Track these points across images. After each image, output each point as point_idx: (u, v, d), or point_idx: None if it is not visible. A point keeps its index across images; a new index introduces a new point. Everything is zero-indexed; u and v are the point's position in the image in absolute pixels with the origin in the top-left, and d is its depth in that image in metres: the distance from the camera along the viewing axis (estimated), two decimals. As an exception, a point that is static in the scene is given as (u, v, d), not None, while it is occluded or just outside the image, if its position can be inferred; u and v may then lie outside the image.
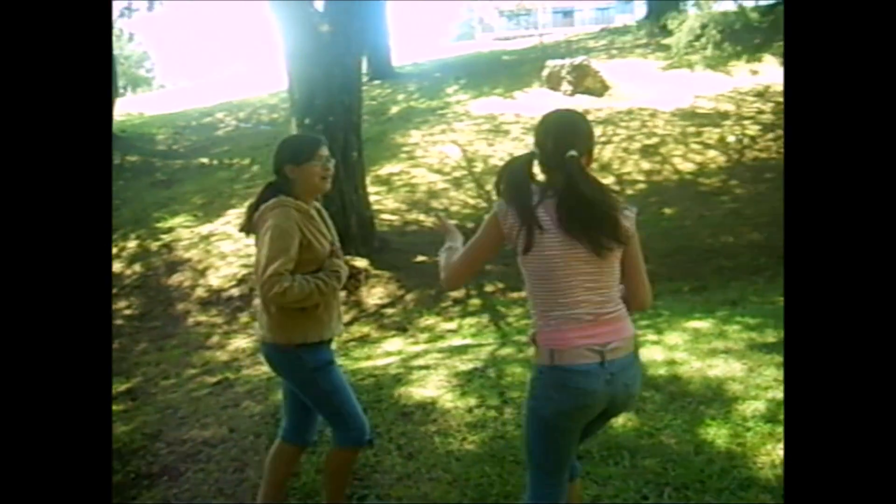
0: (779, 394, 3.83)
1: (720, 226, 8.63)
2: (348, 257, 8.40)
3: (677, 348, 4.72)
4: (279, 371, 2.93)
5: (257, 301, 3.06)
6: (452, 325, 6.83)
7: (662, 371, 4.34)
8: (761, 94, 13.79)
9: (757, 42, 16.21)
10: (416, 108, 16.05)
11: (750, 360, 4.35)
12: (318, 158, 2.79)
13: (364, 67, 19.48)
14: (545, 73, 15.73)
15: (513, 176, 2.22)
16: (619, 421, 3.72)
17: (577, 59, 15.39)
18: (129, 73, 49.03)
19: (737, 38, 15.75)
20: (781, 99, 13.42)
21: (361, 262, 8.28)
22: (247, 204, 2.96)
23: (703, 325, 5.22)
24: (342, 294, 2.97)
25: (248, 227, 2.82)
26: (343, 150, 8.49)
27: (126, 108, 20.42)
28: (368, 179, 11.42)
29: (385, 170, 11.88)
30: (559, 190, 2.14)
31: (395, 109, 16.25)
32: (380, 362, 5.51)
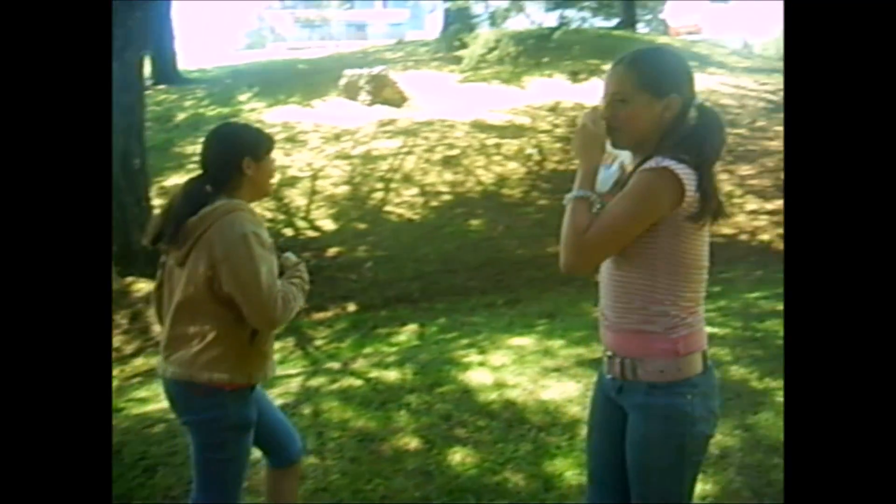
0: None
1: (527, 237, 8.59)
2: (130, 279, 7.46)
3: (505, 369, 4.42)
4: (185, 418, 2.30)
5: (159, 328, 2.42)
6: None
7: (494, 396, 4.00)
8: (553, 109, 14.20)
9: (546, 60, 16.91)
10: (205, 116, 14.94)
11: (583, 378, 4.12)
12: (268, 159, 2.32)
13: (147, 71, 18.18)
14: (343, 82, 15.26)
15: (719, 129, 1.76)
16: (457, 458, 3.32)
17: (376, 69, 15.06)
18: None
19: (530, 55, 16.27)
20: (573, 114, 13.91)
21: (146, 284, 7.35)
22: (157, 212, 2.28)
23: (527, 341, 4.98)
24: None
25: (174, 238, 2.19)
26: (123, 157, 7.53)
27: None
28: (153, 191, 10.40)
29: (171, 181, 10.82)
30: None
31: (181, 116, 15.04)
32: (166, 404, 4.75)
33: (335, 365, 5.10)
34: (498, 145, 11.96)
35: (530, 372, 4.32)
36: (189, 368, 2.19)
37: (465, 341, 5.29)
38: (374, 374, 4.64)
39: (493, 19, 13.86)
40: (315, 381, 4.65)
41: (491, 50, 13.68)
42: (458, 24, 16.76)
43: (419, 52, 19.17)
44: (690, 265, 1.71)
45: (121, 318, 6.90)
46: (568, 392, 3.96)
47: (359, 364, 5.01)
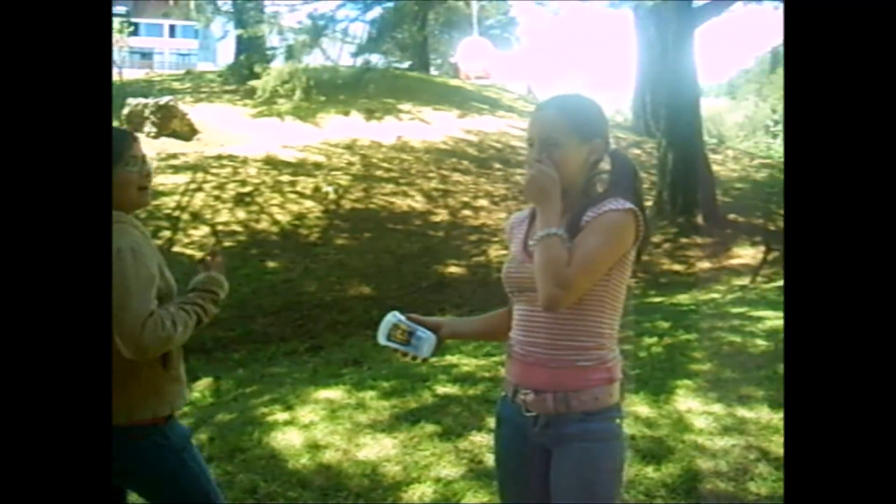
0: (444, 472, 3.41)
1: (327, 278, 8.29)
2: None
3: (314, 427, 4.07)
4: (132, 465, 1.99)
5: None
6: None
7: (306, 461, 3.64)
8: (350, 147, 14.07)
9: (343, 98, 16.81)
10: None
11: (399, 432, 3.88)
12: (133, 161, 2.00)
13: None
14: (125, 111, 14.18)
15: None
16: (268, 539, 2.94)
17: (164, 99, 14.16)
18: None
19: (326, 91, 16.08)
20: (369, 151, 13.86)
21: None
22: None
23: (336, 394, 4.65)
24: None
25: None
26: None
27: None
28: None
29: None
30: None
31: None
32: None
33: (117, 431, 4.48)
34: (293, 182, 11.60)
35: (342, 429, 4.01)
36: (123, 409, 1.89)
37: (267, 396, 4.87)
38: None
39: (290, 52, 13.49)
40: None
41: (284, 83, 13.29)
42: (251, 53, 16.21)
43: (210, 84, 18.37)
44: (622, 300, 1.81)
45: None
46: (386, 450, 3.70)
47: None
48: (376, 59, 17.00)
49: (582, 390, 1.75)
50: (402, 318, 1.96)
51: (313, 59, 15.49)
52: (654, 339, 5.50)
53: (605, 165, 1.88)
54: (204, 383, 5.69)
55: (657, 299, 7.58)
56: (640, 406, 4.04)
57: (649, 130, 16.38)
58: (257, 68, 13.95)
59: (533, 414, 1.79)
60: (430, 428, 3.91)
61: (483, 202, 11.58)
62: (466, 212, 11.15)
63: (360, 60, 16.46)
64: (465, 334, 2.41)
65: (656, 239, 9.90)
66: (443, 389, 4.54)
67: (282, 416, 4.32)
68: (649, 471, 3.30)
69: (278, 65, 14.73)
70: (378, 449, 3.72)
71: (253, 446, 3.87)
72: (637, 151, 14.99)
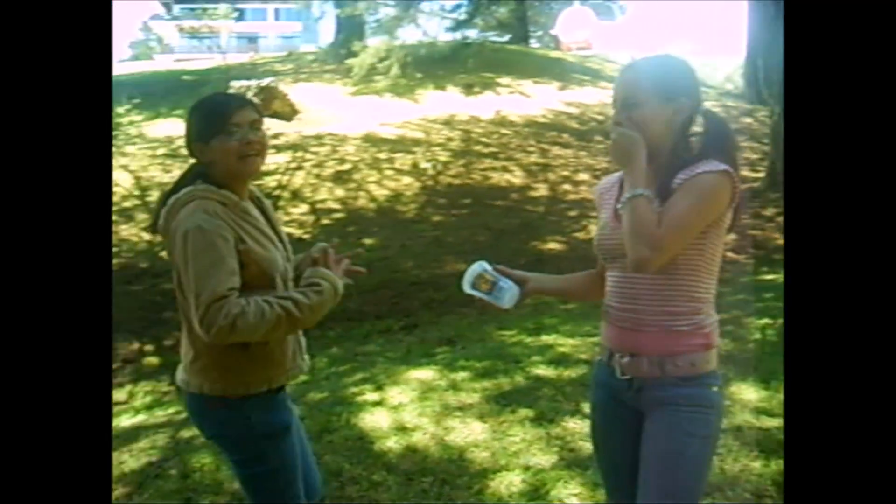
0: (535, 460, 3.24)
1: (423, 255, 8.21)
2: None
3: (404, 409, 3.98)
4: (208, 433, 2.11)
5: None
6: (122, 393, 5.47)
7: (392, 444, 3.55)
8: (448, 122, 13.94)
9: (441, 73, 16.68)
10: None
11: (490, 417, 3.73)
12: (234, 129, 1.91)
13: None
14: (229, 94, 14.55)
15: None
16: (349, 525, 2.86)
17: (265, 81, 14.43)
18: None
19: (424, 67, 16.00)
20: (467, 127, 13.69)
21: None
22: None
23: (427, 374, 4.55)
24: None
25: (156, 227, 1.98)
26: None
27: None
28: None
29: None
30: None
31: (50, 130, 13.94)
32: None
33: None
34: (391, 160, 11.56)
35: (431, 411, 3.89)
36: (192, 377, 1.99)
37: (359, 375, 4.82)
38: (256, 418, 4.10)
39: (385, 29, 13.45)
40: (187, 432, 4.07)
41: (381, 60, 13.25)
42: (349, 32, 16.29)
43: (311, 64, 18.60)
44: (718, 264, 1.77)
45: None
46: (475, 434, 3.56)
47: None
48: (474, 34, 16.83)
49: (678, 355, 1.73)
50: (489, 267, 1.97)
51: (410, 35, 15.41)
52: (767, 321, 5.12)
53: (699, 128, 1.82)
54: (299, 361, 5.70)
55: (770, 276, 7.10)
56: (748, 393, 3.73)
57: (762, 98, 15.44)
58: (354, 47, 13.96)
59: (627, 377, 1.78)
60: (522, 412, 3.74)
61: (584, 176, 11.23)
62: (566, 186, 10.84)
63: (457, 35, 16.34)
64: (550, 291, 2.31)
65: (768, 212, 9.33)
66: (536, 371, 4.35)
67: (372, 396, 4.25)
68: (757, 466, 3.02)
69: (375, 42, 14.72)
70: (467, 433, 3.59)
71: (341, 427, 3.81)
72: (749, 120, 14.22)
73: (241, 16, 42.54)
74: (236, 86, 14.23)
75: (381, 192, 10.44)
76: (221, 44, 37.61)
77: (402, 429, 3.72)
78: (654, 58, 1.83)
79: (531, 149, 12.49)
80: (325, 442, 3.65)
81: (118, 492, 3.31)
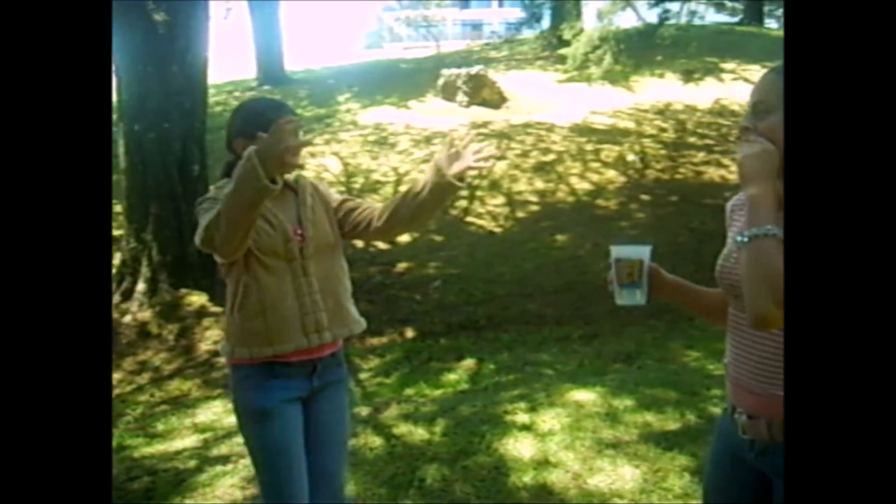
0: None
1: (618, 257, 7.65)
2: (184, 290, 7.06)
3: (552, 438, 3.59)
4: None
5: None
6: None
7: (528, 479, 3.19)
8: (662, 112, 13.05)
9: (659, 59, 15.71)
10: (301, 116, 14.64)
11: (646, 460, 3.26)
12: (277, 129, 2.02)
13: (254, 72, 18.24)
14: (440, 82, 14.65)
15: None
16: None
17: (474, 69, 14.35)
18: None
19: (637, 53, 15.15)
20: (683, 116, 12.75)
21: (199, 297, 6.94)
22: None
23: (589, 397, 4.11)
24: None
25: None
26: (181, 162, 7.15)
27: None
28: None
29: (254, 184, 10.46)
30: None
31: (278, 117, 14.81)
32: (177, 444, 4.20)
33: (364, 411, 4.40)
34: (596, 151, 10.98)
35: (581, 445, 3.48)
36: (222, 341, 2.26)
37: (518, 390, 4.48)
38: (400, 429, 3.92)
39: (600, 14, 12.83)
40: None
41: (595, 48, 12.65)
42: (563, 19, 15.80)
43: (525, 52, 18.33)
44: None
45: (167, 334, 6.47)
46: (621, 480, 3.11)
47: (390, 412, 4.29)
48: (699, 15, 15.70)
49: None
50: (647, 260, 1.78)
51: (628, 21, 14.65)
52: None
53: None
54: (466, 365, 5.47)
55: None
56: None
57: None
58: (567, 34, 13.46)
59: (749, 437, 1.57)
60: (683, 460, 3.22)
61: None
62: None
63: (681, 18, 15.31)
64: (683, 299, 1.90)
65: None
66: (712, 409, 3.76)
67: (522, 417, 3.90)
68: None
69: (590, 28, 14.13)
70: (614, 478, 3.14)
71: (480, 451, 3.51)
72: None
73: (466, 4, 43.31)
74: (446, 74, 14.31)
75: (582, 186, 9.93)
76: (446, 32, 38.51)
77: (543, 462, 3.34)
78: None
79: (754, 141, 11.34)
80: (458, 467, 3.37)
81: (247, 492, 3.25)
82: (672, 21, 14.52)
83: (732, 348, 1.62)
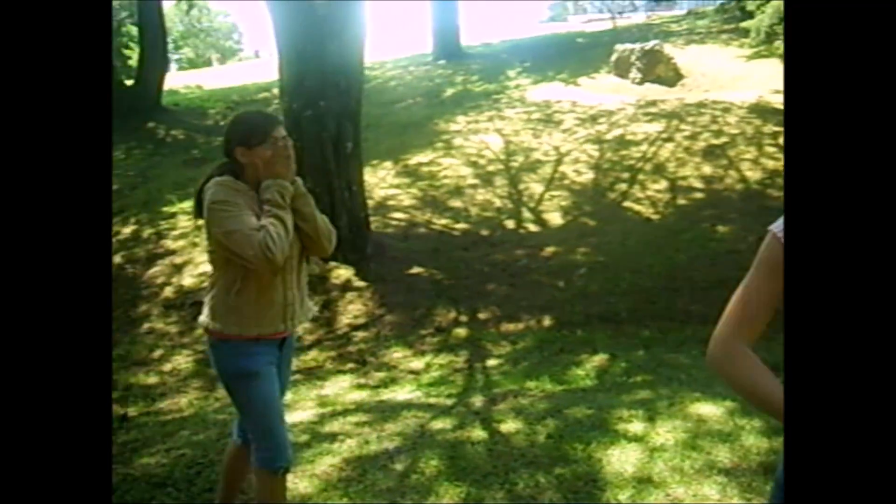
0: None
1: (783, 252, 7.02)
2: (333, 264, 7.28)
3: (661, 454, 3.34)
4: (212, 361, 2.71)
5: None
6: (420, 362, 5.56)
7: (624, 497, 2.98)
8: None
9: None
10: (470, 92, 14.71)
11: (760, 494, 2.94)
12: (273, 141, 2.51)
13: (430, 47, 18.49)
14: (614, 57, 14.14)
15: None
16: None
17: (649, 44, 13.69)
18: (217, 44, 49.66)
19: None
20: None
21: (346, 271, 7.13)
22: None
23: (716, 411, 3.79)
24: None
25: (198, 212, 2.56)
26: (335, 139, 7.32)
27: (184, 81, 19.91)
28: (395, 170, 10.28)
29: (415, 159, 10.62)
30: None
31: (449, 92, 14.94)
32: (297, 416, 4.33)
33: (478, 402, 4.32)
34: (774, 135, 10.13)
35: (691, 466, 3.20)
36: (204, 317, 2.58)
37: (641, 394, 4.22)
38: (507, 425, 3.81)
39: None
40: (438, 424, 3.93)
41: (782, 20, 11.62)
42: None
43: (709, 25, 17.26)
44: None
45: (313, 305, 6.70)
46: (726, 512, 2.82)
47: (503, 406, 4.18)
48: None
49: None
50: None
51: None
52: None
53: None
54: (597, 360, 5.23)
55: None
56: None
57: None
58: (750, 6, 12.47)
59: None
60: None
61: None
62: None
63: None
64: None
65: None
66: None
67: (636, 427, 3.66)
68: None
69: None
70: (717, 509, 2.86)
71: (580, 460, 3.33)
72: None
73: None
74: (619, 49, 13.77)
75: (753, 173, 9.21)
76: (634, 4, 37.06)
77: (645, 481, 3.11)
78: None
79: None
80: (554, 474, 3.22)
81: (344, 474, 3.28)
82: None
83: None
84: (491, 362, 5.43)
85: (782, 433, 3.30)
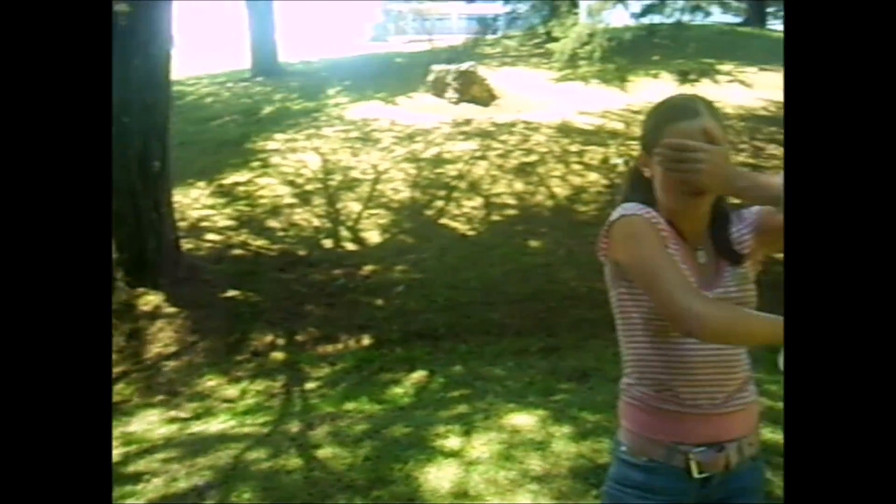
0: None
1: (590, 265, 7.36)
2: (141, 290, 6.85)
3: (476, 468, 3.38)
4: None
5: None
6: (236, 389, 5.34)
7: (440, 515, 2.99)
8: (654, 113, 12.78)
9: (656, 58, 15.44)
10: (289, 110, 14.45)
11: (569, 498, 3.04)
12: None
13: (248, 63, 17.99)
14: (431, 78, 14.41)
15: None
16: None
17: (465, 65, 14.10)
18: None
19: (633, 52, 14.88)
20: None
21: (156, 297, 6.73)
22: None
23: (529, 421, 3.90)
24: None
25: None
26: (141, 158, 6.92)
27: None
28: (209, 190, 9.88)
29: (231, 178, 10.26)
30: None
31: (267, 110, 14.59)
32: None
33: (295, 427, 4.20)
34: (581, 153, 10.74)
35: (505, 478, 3.26)
36: None
37: (458, 409, 4.27)
38: (324, 450, 3.72)
39: (589, 12, 12.56)
40: (252, 454, 3.77)
41: (584, 45, 12.38)
42: (552, 16, 15.55)
43: (519, 48, 18.05)
44: None
45: (119, 334, 6.26)
46: (539, 521, 2.90)
47: (322, 429, 4.08)
48: (700, 15, 15.47)
49: (754, 432, 1.60)
50: None
51: (621, 19, 14.38)
52: None
53: None
54: (415, 377, 5.25)
55: None
56: None
57: None
58: (556, 31, 13.18)
59: (705, 475, 1.53)
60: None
61: (800, 181, 9.73)
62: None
63: (682, 16, 15.04)
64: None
65: None
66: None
67: (453, 442, 3.70)
68: None
69: (580, 25, 13.86)
70: (529, 518, 2.93)
71: (398, 480, 3.31)
72: None
73: (471, -2, 42.93)
74: (436, 69, 14.07)
75: (562, 189, 9.69)
76: (451, 26, 38.15)
77: (461, 495, 3.14)
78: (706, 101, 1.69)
79: (742, 146, 11.06)
80: (372, 497, 3.17)
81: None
82: (664, 20, 14.25)
83: (704, 377, 1.54)
84: (309, 385, 5.31)
85: (590, 438, 3.43)
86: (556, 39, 14.00)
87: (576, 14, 14.96)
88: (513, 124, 12.34)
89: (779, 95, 13.51)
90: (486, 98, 13.93)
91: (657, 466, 1.55)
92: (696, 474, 1.53)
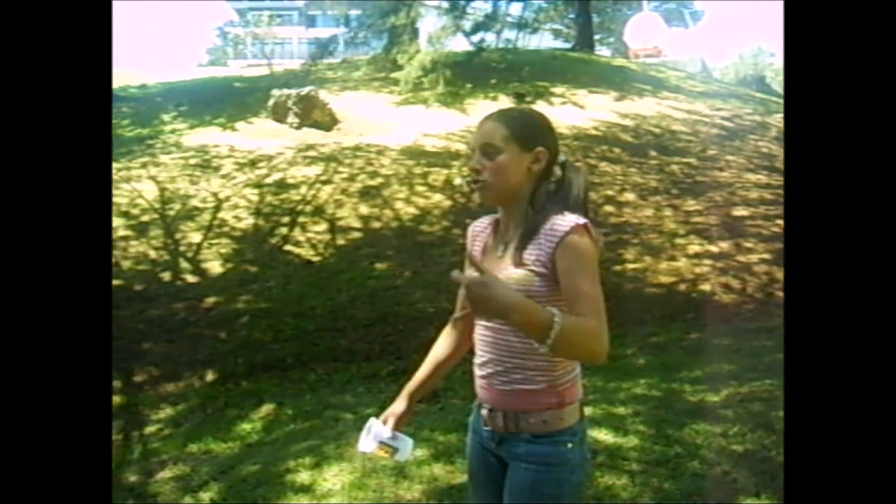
0: None
1: (437, 285, 7.45)
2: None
3: (329, 499, 3.30)
4: None
5: None
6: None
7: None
8: (494, 135, 13.18)
9: (493, 82, 15.97)
10: (122, 137, 13.72)
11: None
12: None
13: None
14: (271, 102, 14.16)
15: None
16: None
17: (305, 90, 13.96)
18: None
19: (472, 76, 15.31)
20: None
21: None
22: None
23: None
24: None
25: None
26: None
27: None
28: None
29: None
30: None
31: (95, 137, 13.77)
32: None
33: (134, 477, 3.94)
34: (425, 175, 10.88)
35: (357, 508, 3.20)
36: None
37: (307, 442, 4.16)
38: (166, 498, 3.50)
39: (431, 38, 12.82)
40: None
41: (427, 72, 12.60)
42: (393, 43, 15.76)
43: (361, 73, 18.11)
44: None
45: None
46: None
47: (163, 475, 3.86)
48: (534, 41, 16.16)
49: (530, 412, 1.75)
50: (385, 435, 2.05)
51: (461, 45, 14.76)
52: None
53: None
54: (263, 411, 5.09)
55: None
56: None
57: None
58: (401, 59, 13.33)
59: (489, 429, 1.83)
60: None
61: (629, 196, 10.30)
62: (609, 207, 9.94)
63: (515, 42, 15.64)
64: (429, 388, 2.21)
65: None
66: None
67: (304, 476, 3.59)
68: None
69: (421, 53, 14.12)
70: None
71: (247, 522, 3.16)
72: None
73: (312, 22, 42.74)
74: (276, 94, 13.86)
75: (406, 211, 9.77)
76: (291, 51, 37.78)
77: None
78: (514, 109, 1.96)
79: (577, 164, 11.62)
80: (218, 543, 3.00)
81: None
82: (495, 45, 14.81)
83: (479, 351, 1.84)
84: (149, 429, 5.01)
85: (443, 459, 3.44)
86: (400, 67, 14.15)
87: (416, 41, 15.22)
88: (358, 147, 12.34)
89: (608, 116, 14.35)
90: (328, 122, 13.86)
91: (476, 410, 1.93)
92: (483, 426, 1.86)
